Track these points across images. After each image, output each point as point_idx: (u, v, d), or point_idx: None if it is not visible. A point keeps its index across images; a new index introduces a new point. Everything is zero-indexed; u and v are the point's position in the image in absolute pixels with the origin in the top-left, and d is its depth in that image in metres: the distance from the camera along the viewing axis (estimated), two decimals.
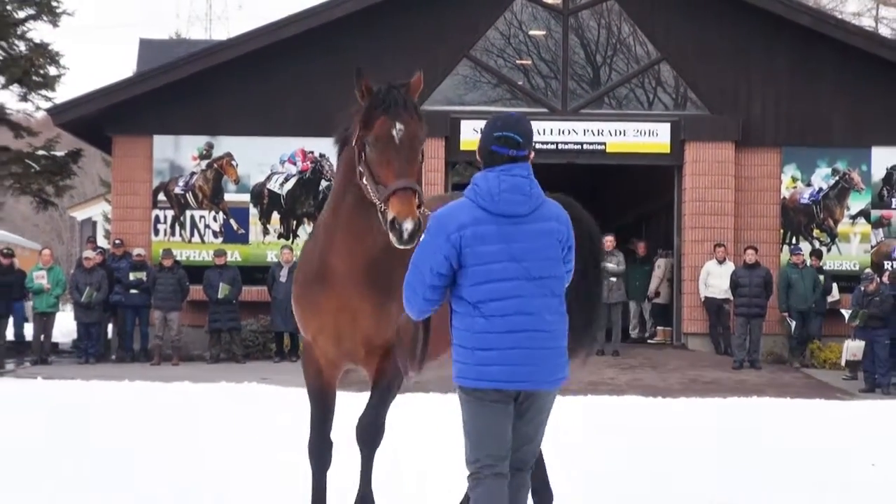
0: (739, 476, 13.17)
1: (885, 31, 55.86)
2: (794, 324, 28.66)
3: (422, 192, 8.00)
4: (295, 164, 31.09)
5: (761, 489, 12.53)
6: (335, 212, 8.90)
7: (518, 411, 7.39)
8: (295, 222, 31.15)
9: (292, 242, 30.46)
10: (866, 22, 58.03)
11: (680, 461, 14.51)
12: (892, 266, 29.34)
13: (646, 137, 31.02)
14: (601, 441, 15.98)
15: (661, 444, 15.79)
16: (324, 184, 30.76)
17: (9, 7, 33.00)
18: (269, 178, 31.08)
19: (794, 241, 31.10)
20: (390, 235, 7.76)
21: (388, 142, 8.00)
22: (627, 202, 41.74)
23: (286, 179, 31.08)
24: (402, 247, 7.72)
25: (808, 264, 29.22)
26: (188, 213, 31.04)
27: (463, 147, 30.65)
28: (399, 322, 8.14)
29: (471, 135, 30.17)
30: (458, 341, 7.40)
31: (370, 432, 9.17)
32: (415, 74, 8.65)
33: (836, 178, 30.81)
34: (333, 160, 29.16)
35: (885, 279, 26.96)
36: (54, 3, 33.36)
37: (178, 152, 31.09)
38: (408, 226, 7.64)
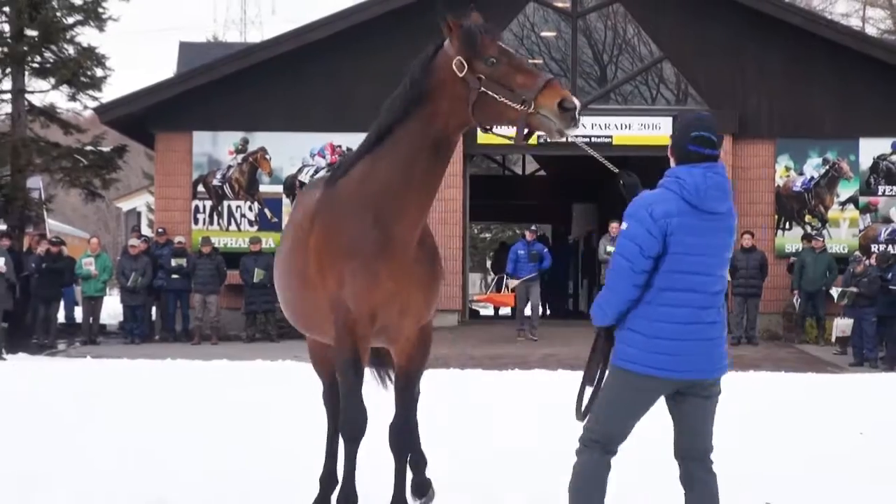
0: (737, 444, 13.27)
1: (871, 31, 55.80)
2: (798, 302, 29.04)
3: None
4: (324, 157, 31.15)
5: (758, 456, 12.52)
6: (407, 173, 7.99)
7: (683, 402, 7.21)
8: None
9: None
10: (854, 22, 57.92)
11: None
12: (878, 249, 29.31)
13: (649, 131, 31.02)
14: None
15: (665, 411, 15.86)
16: None
17: (58, 13, 33.10)
18: (300, 171, 31.23)
19: (788, 226, 31.33)
20: (555, 121, 7.29)
21: (509, 53, 7.69)
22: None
23: (316, 171, 30.92)
24: (569, 130, 7.32)
25: (825, 249, 29.50)
26: (225, 203, 31.25)
27: (479, 141, 29.53)
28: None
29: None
30: (633, 326, 7.09)
31: (405, 439, 8.70)
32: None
33: (827, 167, 30.98)
34: None
35: (872, 261, 27.05)
36: (100, 10, 33.40)
37: (216, 147, 31.27)
38: (577, 102, 7.29)
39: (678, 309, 7.00)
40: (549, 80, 7.42)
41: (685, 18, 31.34)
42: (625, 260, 6.97)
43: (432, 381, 19.45)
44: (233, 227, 31.19)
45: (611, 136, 31.01)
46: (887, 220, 31.02)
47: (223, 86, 30.69)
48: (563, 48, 32.13)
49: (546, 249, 30.18)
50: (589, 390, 7.38)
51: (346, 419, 8.36)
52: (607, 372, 7.24)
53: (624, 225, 7.11)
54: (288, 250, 8.95)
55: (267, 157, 31.14)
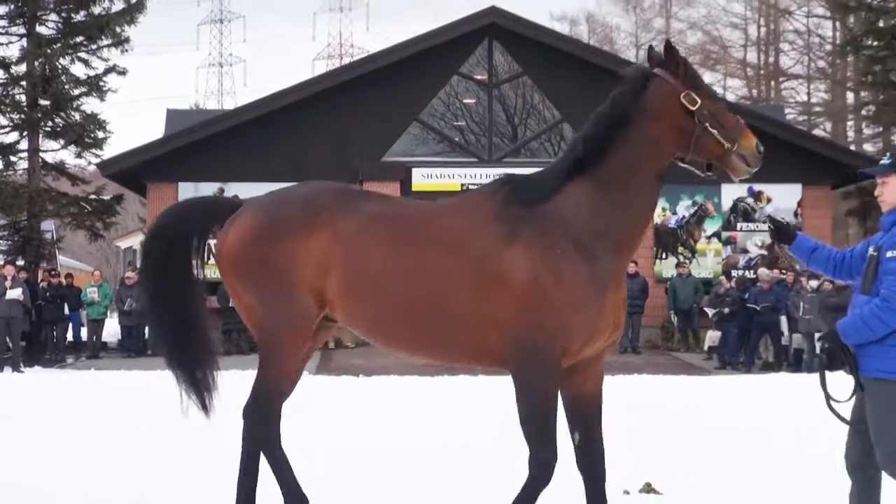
0: (625, 434, 13.65)
1: (730, 97, 56.90)
2: (676, 318, 29.89)
3: None
4: None
5: (642, 442, 12.54)
6: (645, 201, 7.07)
7: None
8: None
9: None
10: (717, 90, 59.27)
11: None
12: (737, 274, 30.23)
13: None
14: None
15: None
16: None
17: (67, 86, 33.61)
18: None
19: (664, 256, 31.95)
20: (750, 162, 6.86)
21: (719, 97, 7.28)
22: None
23: None
24: (754, 168, 6.90)
25: (690, 274, 30.27)
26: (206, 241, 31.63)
27: (414, 188, 30.92)
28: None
29: (420, 179, 30.94)
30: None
31: (603, 462, 7.15)
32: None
33: (695, 207, 31.78)
34: None
35: (732, 284, 28.09)
36: (101, 83, 33.87)
37: (198, 194, 31.42)
38: (761, 148, 6.91)
39: None
40: (743, 123, 7.01)
41: (579, 87, 31.14)
42: None
43: (377, 387, 20.28)
44: (211, 260, 31.36)
45: None
46: (744, 251, 31.89)
47: (203, 145, 31.05)
48: (482, 112, 32.47)
49: None
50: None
51: (546, 460, 6.79)
52: (873, 394, 6.57)
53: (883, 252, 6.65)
54: (419, 264, 7.02)
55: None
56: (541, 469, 6.75)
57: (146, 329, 30.46)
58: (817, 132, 53.14)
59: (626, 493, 9.64)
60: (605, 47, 55.46)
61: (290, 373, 7.49)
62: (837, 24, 49.12)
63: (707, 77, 62.14)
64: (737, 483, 10.29)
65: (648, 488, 9.86)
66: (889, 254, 6.52)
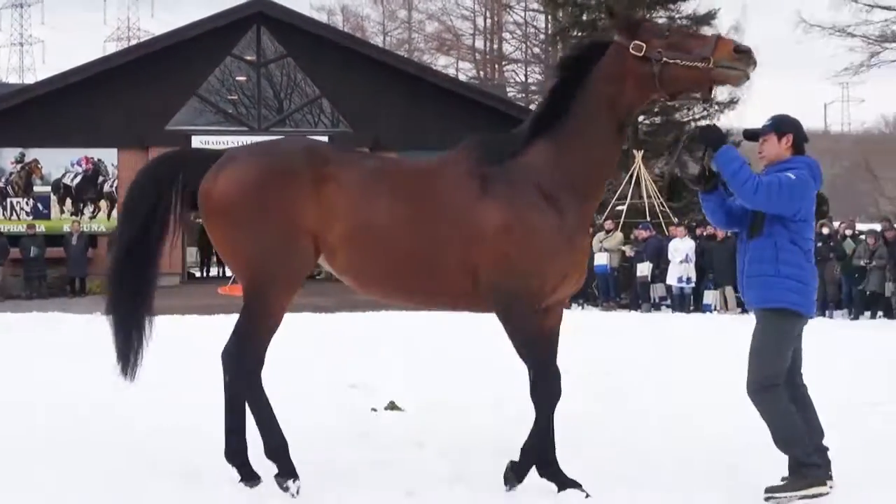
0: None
1: (462, 77, 58.38)
2: None
3: None
4: (81, 166, 31.63)
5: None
6: (602, 155, 6.73)
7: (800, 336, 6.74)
8: (81, 205, 31.73)
9: (79, 218, 31.28)
10: (451, 71, 61.12)
11: None
12: None
13: None
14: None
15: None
16: (100, 179, 31.88)
17: None
18: (63, 175, 31.62)
19: None
20: (736, 66, 6.40)
21: (675, 26, 6.92)
22: None
23: (75, 176, 31.61)
24: (750, 69, 6.45)
25: None
26: (7, 199, 31.49)
27: None
28: None
29: (199, 145, 30.34)
30: (795, 277, 6.52)
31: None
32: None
33: None
34: (110, 166, 30.07)
35: None
36: None
37: (0, 159, 31.54)
38: (748, 44, 6.49)
39: (810, 263, 6.66)
40: (718, 35, 6.64)
41: (335, 67, 32.14)
42: (789, 195, 6.45)
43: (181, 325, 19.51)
44: (14, 216, 31.40)
45: None
46: None
47: (5, 115, 30.81)
48: (252, 88, 32.85)
49: None
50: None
51: (546, 392, 6.63)
52: (766, 322, 6.63)
53: (792, 175, 6.49)
54: (412, 218, 6.76)
55: (39, 166, 31.45)
56: (548, 393, 6.62)
57: None
58: (532, 107, 55.08)
59: (374, 410, 9.75)
60: (357, 34, 56.70)
61: (278, 318, 6.89)
62: (549, 17, 51.29)
63: (441, 61, 64.03)
64: (469, 399, 10.29)
65: (393, 406, 9.99)
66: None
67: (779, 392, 6.51)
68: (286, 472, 6.73)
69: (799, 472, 6.47)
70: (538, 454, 6.71)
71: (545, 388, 6.61)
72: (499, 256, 6.52)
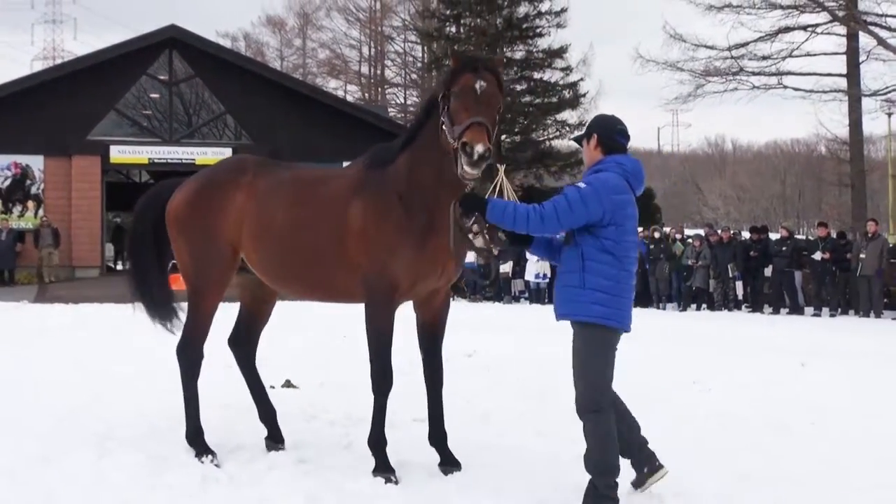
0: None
1: (350, 98, 58.55)
2: None
3: (492, 132, 5.83)
4: (10, 170, 30.87)
5: None
6: (437, 172, 6.16)
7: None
8: (10, 205, 30.86)
9: (8, 216, 30.38)
10: (340, 93, 61.06)
11: None
12: None
13: (218, 156, 30.22)
14: None
15: None
16: (28, 182, 30.98)
17: None
18: None
19: None
20: (461, 159, 5.65)
21: (469, 92, 5.84)
22: None
23: (5, 180, 30.88)
24: (470, 169, 5.65)
25: None
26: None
27: (112, 161, 31.13)
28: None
29: (116, 154, 31.05)
30: (602, 288, 5.58)
31: (441, 377, 6.64)
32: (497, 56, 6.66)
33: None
34: (37, 170, 29.39)
35: None
36: None
37: None
38: (479, 149, 5.57)
39: (628, 271, 5.70)
40: (473, 122, 5.73)
41: (239, 88, 31.84)
42: (571, 211, 5.57)
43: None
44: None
45: (194, 159, 31.29)
46: None
47: None
48: (165, 104, 32.28)
49: None
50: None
51: (381, 375, 6.39)
52: (577, 336, 5.72)
53: (582, 184, 5.69)
54: (302, 219, 6.68)
55: None
56: (378, 385, 6.41)
57: None
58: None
59: (272, 387, 9.08)
60: (257, 58, 56.21)
61: (212, 316, 7.04)
62: (426, 48, 51.61)
63: (331, 83, 63.99)
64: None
65: (289, 384, 9.89)
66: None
67: (604, 416, 5.64)
68: (202, 451, 6.90)
69: (594, 498, 5.67)
70: (375, 440, 6.45)
71: (376, 380, 6.39)
72: (361, 252, 6.37)
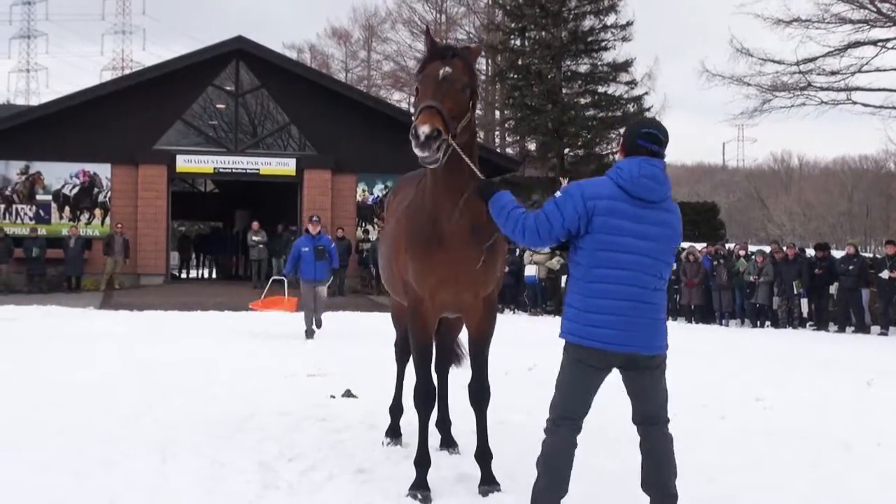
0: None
1: (404, 106, 58.88)
2: (375, 271, 29.43)
3: (447, 115, 5.54)
4: (78, 178, 31.18)
5: None
6: (434, 180, 6.01)
7: (627, 374, 5.25)
8: (78, 213, 31.19)
9: (77, 224, 30.76)
10: (404, 105, 61.10)
11: None
12: None
13: (282, 167, 31.97)
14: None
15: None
16: (96, 190, 31.58)
17: None
18: (63, 186, 31.12)
19: (363, 225, 32.43)
20: (412, 143, 5.46)
21: (428, 79, 5.68)
22: (272, 204, 41.05)
23: (73, 187, 31.19)
24: (420, 152, 5.46)
25: (369, 239, 30.76)
26: (13, 206, 30.91)
27: (178, 170, 31.50)
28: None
29: (182, 163, 31.29)
30: (571, 302, 5.26)
31: (483, 396, 6.42)
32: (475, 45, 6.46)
33: (386, 190, 31.46)
34: (104, 179, 29.77)
35: None
36: None
37: (7, 170, 31.01)
38: (424, 129, 5.37)
39: (612, 286, 5.14)
40: (424, 107, 5.57)
41: (304, 99, 32.00)
42: (546, 220, 5.23)
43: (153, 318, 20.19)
44: (19, 220, 30.86)
45: (258, 169, 31.73)
46: None
47: (12, 132, 30.36)
48: (231, 115, 32.48)
49: (333, 244, 18.73)
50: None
51: (420, 393, 6.40)
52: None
53: (558, 194, 5.34)
54: (391, 230, 6.76)
55: (41, 177, 30.93)
56: (418, 399, 6.41)
57: None
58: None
59: (332, 397, 9.69)
60: (322, 70, 56.67)
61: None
62: (489, 60, 51.66)
63: (395, 95, 64.11)
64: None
65: (349, 394, 10.05)
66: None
67: (558, 437, 5.23)
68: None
69: None
70: (417, 458, 6.37)
71: (415, 398, 6.42)
72: (397, 260, 6.55)
